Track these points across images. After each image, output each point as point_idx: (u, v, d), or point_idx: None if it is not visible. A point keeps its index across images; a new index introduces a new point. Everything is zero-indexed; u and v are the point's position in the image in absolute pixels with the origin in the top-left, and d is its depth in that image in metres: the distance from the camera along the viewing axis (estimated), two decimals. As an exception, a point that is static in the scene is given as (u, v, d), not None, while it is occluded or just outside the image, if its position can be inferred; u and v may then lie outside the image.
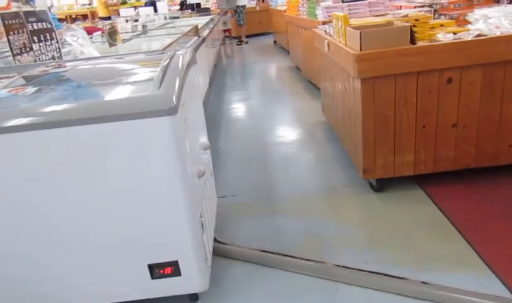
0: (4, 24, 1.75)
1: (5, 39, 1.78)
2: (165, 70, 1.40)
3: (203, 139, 1.81)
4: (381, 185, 2.23)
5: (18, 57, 1.85)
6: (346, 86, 2.34)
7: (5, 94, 1.26)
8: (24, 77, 1.53)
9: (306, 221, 2.07)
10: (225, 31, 9.61)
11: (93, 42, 3.36)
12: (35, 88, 1.34)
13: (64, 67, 1.68)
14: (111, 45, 3.01)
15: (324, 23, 3.50)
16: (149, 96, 1.21)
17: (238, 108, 4.51)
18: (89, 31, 3.64)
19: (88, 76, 1.66)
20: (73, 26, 3.09)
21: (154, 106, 1.17)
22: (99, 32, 3.59)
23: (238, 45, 9.41)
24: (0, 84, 1.43)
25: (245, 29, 9.49)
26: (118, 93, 1.36)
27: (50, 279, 1.34)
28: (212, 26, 5.27)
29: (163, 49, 2.16)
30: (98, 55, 2.79)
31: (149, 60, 1.86)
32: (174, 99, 1.20)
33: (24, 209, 1.23)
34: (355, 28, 2.11)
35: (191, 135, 1.47)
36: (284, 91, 4.99)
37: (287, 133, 3.47)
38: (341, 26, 2.31)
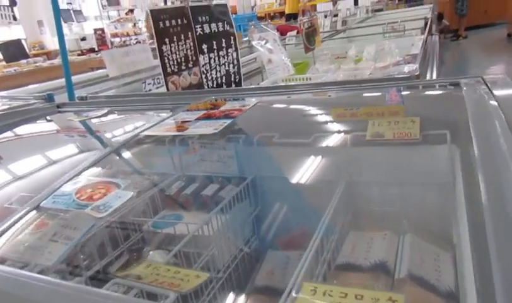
0: (155, 28, 1.11)
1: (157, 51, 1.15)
2: None
3: None
4: None
5: (173, 77, 1.20)
6: None
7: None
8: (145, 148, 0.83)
9: None
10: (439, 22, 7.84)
11: (285, 45, 2.68)
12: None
13: (232, 111, 0.92)
14: (307, 49, 2.23)
15: None
16: None
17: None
18: (283, 31, 3.00)
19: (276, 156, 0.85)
20: (263, 25, 2.45)
21: None
22: (295, 32, 2.91)
23: (453, 40, 7.52)
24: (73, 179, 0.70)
25: (466, 20, 7.49)
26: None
27: None
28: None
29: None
30: (289, 65, 2.04)
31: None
32: None
33: None
34: None
35: None
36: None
37: None
38: None
